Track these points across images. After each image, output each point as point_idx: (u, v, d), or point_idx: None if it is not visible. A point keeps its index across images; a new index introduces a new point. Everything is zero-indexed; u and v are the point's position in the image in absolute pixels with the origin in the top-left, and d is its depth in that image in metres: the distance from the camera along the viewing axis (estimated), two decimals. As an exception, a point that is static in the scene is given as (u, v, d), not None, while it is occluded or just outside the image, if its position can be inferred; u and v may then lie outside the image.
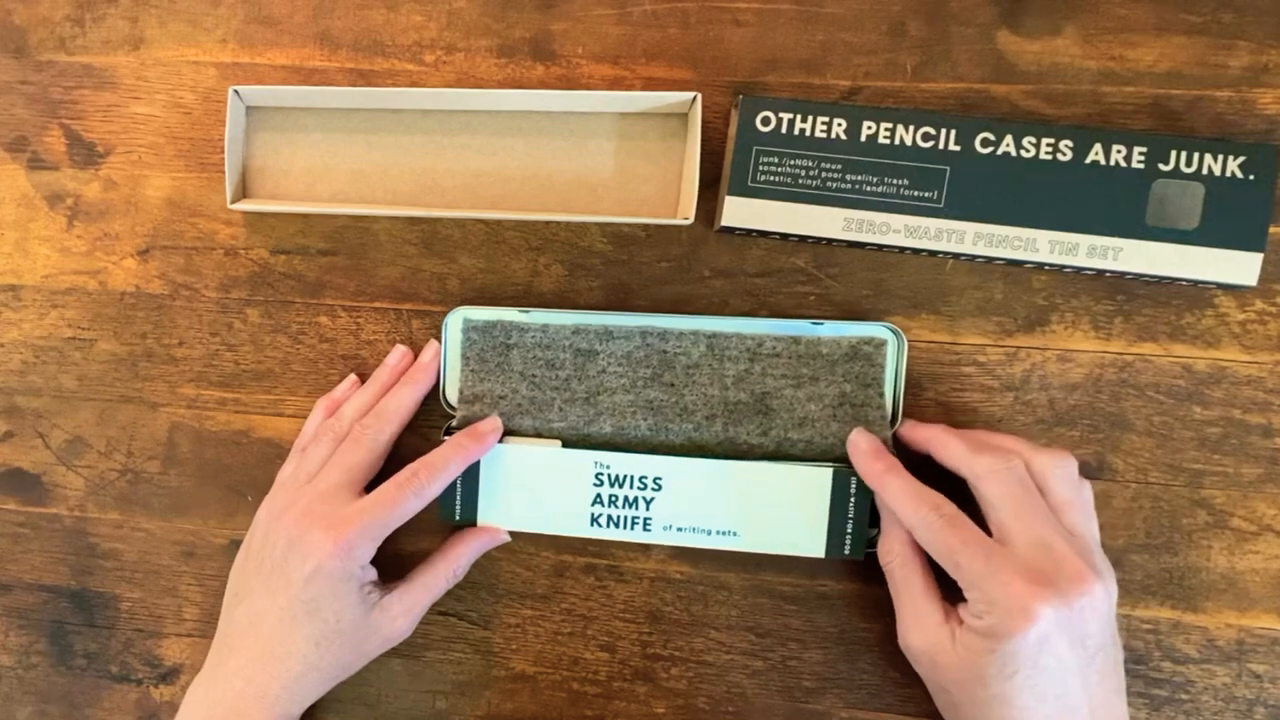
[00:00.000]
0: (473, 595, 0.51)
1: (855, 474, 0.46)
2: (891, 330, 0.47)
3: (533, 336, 0.48)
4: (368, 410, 0.48)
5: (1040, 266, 0.47)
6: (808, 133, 0.46)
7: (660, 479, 0.47)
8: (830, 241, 0.47)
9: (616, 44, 0.49)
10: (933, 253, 0.47)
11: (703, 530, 0.47)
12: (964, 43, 0.48)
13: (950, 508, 0.43)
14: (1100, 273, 0.46)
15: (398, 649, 0.50)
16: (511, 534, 0.49)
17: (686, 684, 0.50)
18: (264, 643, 0.45)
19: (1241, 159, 0.44)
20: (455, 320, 0.49)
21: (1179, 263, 0.45)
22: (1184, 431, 0.47)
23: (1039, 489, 0.43)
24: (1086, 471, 0.48)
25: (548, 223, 0.50)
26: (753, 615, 0.49)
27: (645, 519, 0.47)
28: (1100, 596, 0.40)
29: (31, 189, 0.52)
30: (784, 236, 0.47)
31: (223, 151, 0.50)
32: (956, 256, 0.47)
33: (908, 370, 0.48)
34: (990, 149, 0.45)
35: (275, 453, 0.51)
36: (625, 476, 0.47)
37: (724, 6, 0.49)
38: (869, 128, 0.46)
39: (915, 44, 0.48)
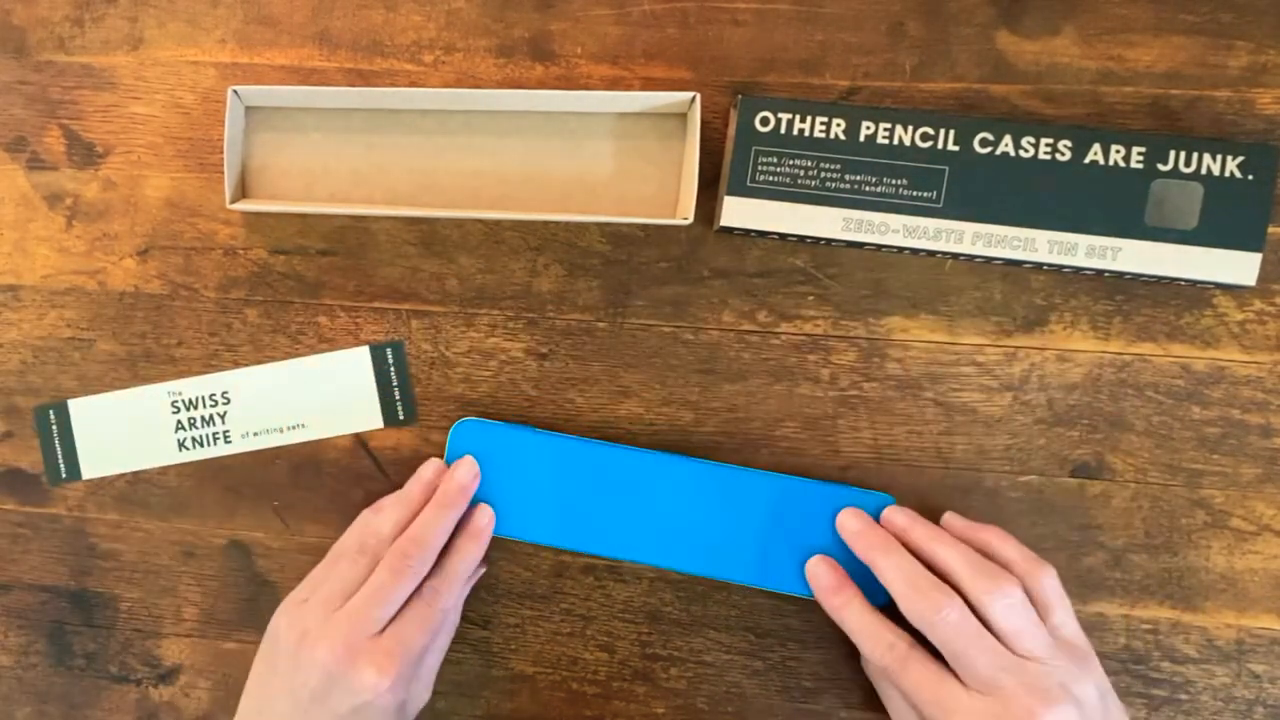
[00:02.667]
0: (471, 595, 0.51)
1: (390, 345, 0.48)
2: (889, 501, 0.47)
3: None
4: (403, 528, 0.46)
5: (1039, 266, 0.47)
6: (806, 133, 0.46)
7: (228, 392, 0.50)
8: (829, 241, 0.47)
9: (615, 44, 0.49)
10: (931, 252, 0.47)
11: (275, 429, 0.50)
12: (963, 43, 0.48)
13: (903, 645, 0.43)
14: (1099, 273, 0.46)
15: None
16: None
17: (686, 684, 0.50)
18: None
19: (1240, 159, 0.44)
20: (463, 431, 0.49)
21: (1178, 263, 0.45)
22: (1183, 431, 0.47)
23: (984, 619, 0.42)
24: (1086, 471, 0.48)
25: (547, 222, 0.50)
26: (752, 615, 0.49)
27: (225, 432, 0.50)
28: (1065, 715, 0.40)
29: (30, 189, 0.52)
30: (783, 236, 0.47)
31: (222, 152, 0.50)
32: (955, 256, 0.47)
33: (905, 370, 0.48)
34: (989, 149, 0.45)
35: (274, 453, 0.51)
36: (197, 398, 0.50)
37: (723, 6, 0.49)
38: (868, 128, 0.46)
39: (914, 44, 0.48)
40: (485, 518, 0.48)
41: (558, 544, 0.49)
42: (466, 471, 0.48)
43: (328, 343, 0.51)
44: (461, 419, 0.49)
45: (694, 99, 0.46)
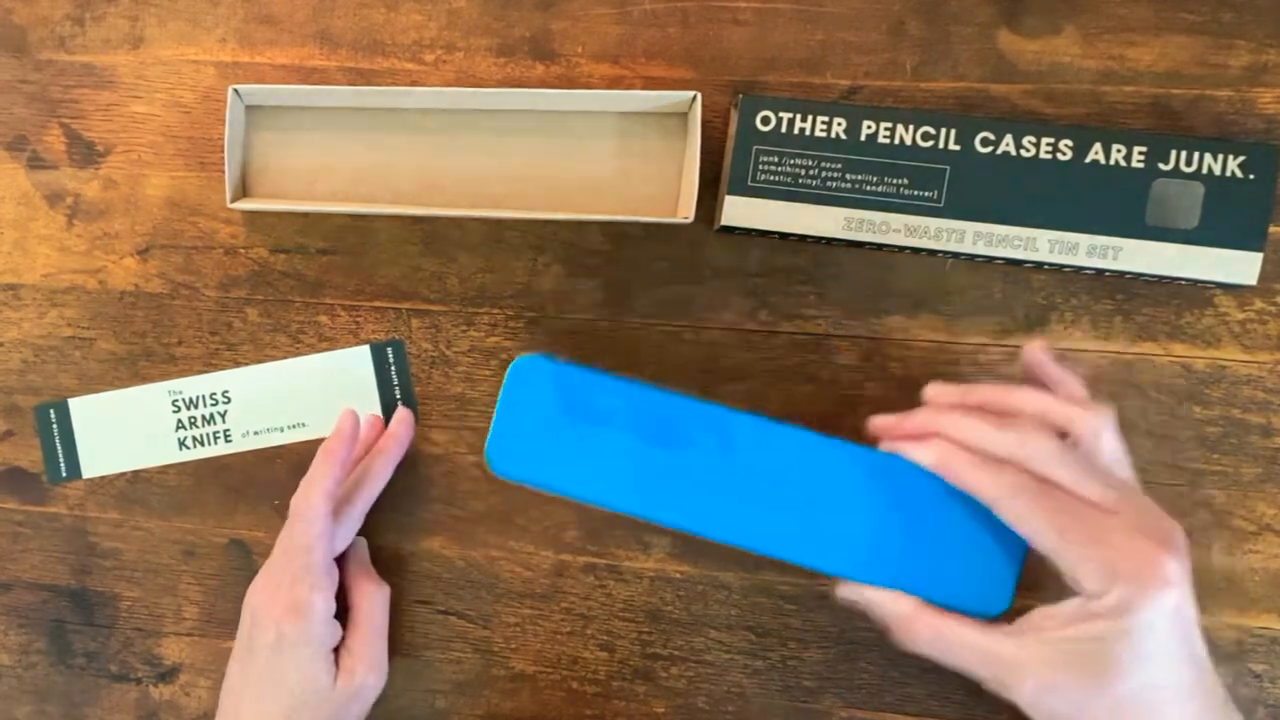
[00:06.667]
0: (472, 594, 0.51)
1: (391, 343, 0.48)
2: None
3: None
4: (340, 483, 0.46)
5: (1040, 266, 0.47)
6: (807, 132, 0.46)
7: (228, 391, 0.50)
8: (830, 241, 0.47)
9: (616, 43, 0.49)
10: (932, 252, 0.47)
11: (276, 428, 0.51)
12: (964, 42, 0.48)
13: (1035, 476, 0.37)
14: (1100, 272, 0.46)
15: (397, 649, 0.50)
16: (512, 542, 0.49)
17: (686, 683, 0.50)
18: None
19: (1241, 158, 0.44)
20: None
21: (1178, 262, 0.45)
22: (1184, 431, 0.47)
23: (1090, 446, 0.38)
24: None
25: (547, 221, 0.50)
26: (752, 614, 0.49)
27: (225, 431, 0.50)
28: (1181, 569, 0.36)
29: (31, 188, 0.52)
30: (784, 236, 0.47)
31: (222, 151, 0.50)
32: (956, 256, 0.47)
33: (906, 370, 0.48)
34: (990, 148, 0.45)
35: (274, 452, 0.51)
36: (198, 397, 0.49)
37: (724, 6, 0.49)
38: (869, 127, 0.46)
39: (915, 43, 0.48)
40: (347, 419, 0.46)
41: (630, 511, 0.42)
42: (345, 421, 0.46)
43: (328, 342, 0.51)
44: (521, 355, 0.43)
45: (695, 98, 0.46)
